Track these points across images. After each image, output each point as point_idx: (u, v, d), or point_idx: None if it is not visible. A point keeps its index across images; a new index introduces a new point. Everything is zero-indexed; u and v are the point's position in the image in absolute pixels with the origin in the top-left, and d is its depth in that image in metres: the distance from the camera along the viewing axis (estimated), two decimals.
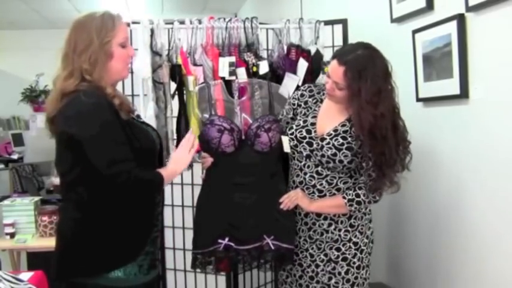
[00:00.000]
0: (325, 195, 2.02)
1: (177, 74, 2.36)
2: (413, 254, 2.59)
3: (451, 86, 2.16)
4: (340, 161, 1.95)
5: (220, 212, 2.08)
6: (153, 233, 1.77)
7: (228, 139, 2.05)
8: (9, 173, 5.47)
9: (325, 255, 2.05)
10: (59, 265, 1.69)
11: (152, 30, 2.40)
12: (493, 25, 1.95)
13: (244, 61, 2.37)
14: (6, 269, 2.84)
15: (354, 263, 2.03)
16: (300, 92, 2.15)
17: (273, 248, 2.06)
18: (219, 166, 2.08)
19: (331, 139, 1.97)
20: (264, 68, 2.37)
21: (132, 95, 2.56)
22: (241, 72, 2.31)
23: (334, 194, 2.02)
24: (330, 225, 2.04)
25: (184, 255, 2.84)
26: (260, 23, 2.51)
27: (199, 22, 2.44)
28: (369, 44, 1.92)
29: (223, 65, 2.33)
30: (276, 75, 2.44)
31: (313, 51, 2.49)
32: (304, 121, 2.06)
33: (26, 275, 2.02)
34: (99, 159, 1.58)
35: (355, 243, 2.04)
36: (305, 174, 2.04)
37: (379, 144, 1.86)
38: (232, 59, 2.33)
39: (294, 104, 2.15)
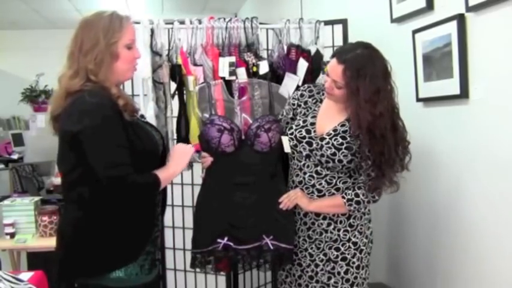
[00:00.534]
0: (324, 195, 2.02)
1: (177, 74, 2.36)
2: (413, 254, 2.59)
3: (451, 86, 2.16)
4: (340, 161, 1.95)
5: (220, 211, 2.09)
6: (154, 233, 1.77)
7: (227, 139, 2.05)
8: (9, 173, 5.46)
9: (325, 254, 2.05)
10: (61, 265, 1.69)
11: (152, 30, 2.40)
12: (493, 25, 1.95)
13: (244, 61, 2.37)
14: (6, 269, 2.84)
15: (354, 262, 2.03)
16: (299, 92, 2.15)
17: (272, 248, 2.06)
18: (218, 166, 2.08)
19: (330, 139, 1.97)
20: (264, 68, 2.37)
21: (132, 95, 2.55)
22: (241, 72, 2.31)
23: (334, 193, 2.02)
24: (329, 225, 2.04)
25: (184, 255, 2.84)
26: (260, 23, 2.51)
27: (199, 22, 2.44)
28: (369, 43, 1.92)
29: (223, 65, 2.33)
30: (276, 75, 2.44)
31: (313, 51, 2.49)
32: (304, 121, 2.06)
33: (26, 275, 2.02)
34: (97, 161, 1.58)
35: (355, 243, 2.04)
36: (304, 174, 2.04)
37: (378, 144, 1.86)
38: (232, 59, 2.34)
39: (293, 104, 2.15)
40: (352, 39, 2.51)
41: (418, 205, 2.53)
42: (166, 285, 2.91)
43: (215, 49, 2.40)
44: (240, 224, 2.07)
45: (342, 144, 1.95)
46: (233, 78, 2.30)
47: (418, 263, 2.54)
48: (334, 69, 1.89)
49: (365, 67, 1.83)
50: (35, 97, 5.57)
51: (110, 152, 1.58)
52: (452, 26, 2.12)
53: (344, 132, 1.97)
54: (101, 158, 1.58)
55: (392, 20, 2.65)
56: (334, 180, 2.01)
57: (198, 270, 2.22)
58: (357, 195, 1.97)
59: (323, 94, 2.08)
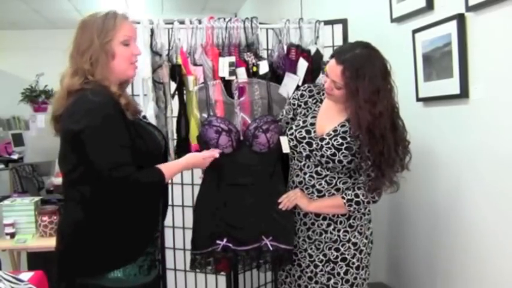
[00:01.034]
0: (324, 195, 2.02)
1: (177, 74, 2.36)
2: (413, 254, 2.59)
3: (451, 85, 2.16)
4: (340, 161, 1.95)
5: (219, 212, 2.08)
6: (154, 234, 1.77)
7: (225, 140, 2.05)
8: (9, 173, 5.47)
9: (324, 255, 2.05)
10: (60, 265, 1.69)
11: (152, 30, 2.40)
12: (493, 25, 1.95)
13: (244, 61, 2.37)
14: (6, 269, 2.84)
15: (353, 263, 2.03)
16: (299, 92, 2.15)
17: (271, 248, 2.06)
18: (217, 167, 2.08)
19: (330, 139, 1.97)
20: (264, 68, 2.37)
21: (132, 95, 2.55)
22: (241, 72, 2.31)
23: (334, 194, 2.01)
24: (329, 225, 2.04)
25: (184, 255, 2.84)
26: (260, 23, 2.51)
27: (199, 22, 2.44)
28: (368, 43, 1.92)
29: (223, 65, 2.33)
30: (276, 75, 2.44)
31: (313, 51, 2.49)
32: (304, 121, 2.06)
33: (26, 275, 2.02)
34: (99, 161, 1.58)
35: (355, 244, 2.04)
36: (304, 174, 2.04)
37: (378, 143, 1.86)
38: (232, 59, 2.33)
39: (293, 104, 2.14)
40: (352, 39, 2.51)
41: (418, 205, 2.53)
42: (166, 285, 2.91)
43: (215, 49, 2.39)
44: (239, 224, 2.07)
45: (341, 144, 1.95)
46: (233, 78, 2.30)
47: (418, 263, 2.54)
48: (333, 70, 1.89)
49: (364, 67, 1.83)
50: (35, 97, 5.58)
51: (112, 151, 1.58)
52: (452, 25, 2.12)
53: (344, 132, 1.97)
54: (103, 158, 1.58)
55: (392, 20, 2.64)
56: (334, 181, 2.01)
57: (197, 270, 2.22)
58: (356, 195, 1.97)
59: (323, 94, 2.08)
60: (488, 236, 2.02)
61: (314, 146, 2.00)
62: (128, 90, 2.51)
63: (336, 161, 1.95)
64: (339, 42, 2.64)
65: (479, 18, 2.02)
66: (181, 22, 2.45)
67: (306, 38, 2.56)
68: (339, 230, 2.04)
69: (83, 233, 1.65)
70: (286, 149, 2.07)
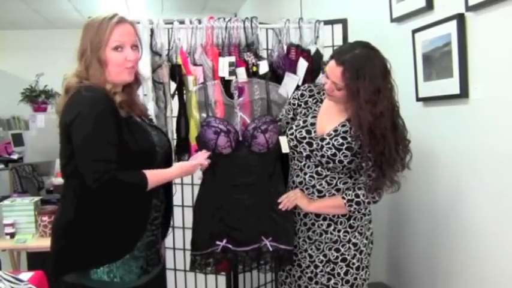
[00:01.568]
0: (324, 195, 2.02)
1: (177, 74, 2.36)
2: (413, 254, 2.59)
3: (451, 85, 2.16)
4: (340, 161, 1.95)
5: (218, 213, 2.08)
6: (146, 238, 1.73)
7: (224, 141, 2.04)
8: (9, 173, 5.46)
9: (324, 255, 2.05)
10: (53, 261, 1.69)
11: (152, 30, 2.40)
12: (493, 25, 1.95)
13: (244, 61, 2.37)
14: (6, 269, 2.84)
15: (353, 263, 2.03)
16: (300, 92, 2.15)
17: (271, 249, 2.05)
18: (216, 167, 2.08)
19: (331, 139, 1.96)
20: (263, 67, 2.37)
21: None
22: (241, 72, 2.31)
23: (334, 194, 2.01)
24: (329, 225, 2.04)
25: (184, 255, 2.84)
26: (260, 23, 2.51)
27: (199, 22, 2.44)
28: (367, 42, 1.92)
29: (223, 65, 2.33)
30: (275, 75, 2.44)
31: (313, 51, 2.49)
32: (304, 121, 2.06)
33: (26, 275, 2.02)
34: (80, 154, 1.58)
35: (355, 244, 2.03)
36: (305, 174, 2.04)
37: (379, 143, 1.85)
38: (232, 58, 2.33)
39: (294, 104, 2.14)
40: (352, 39, 2.51)
41: (418, 205, 2.53)
42: (166, 285, 2.91)
43: (215, 49, 2.39)
44: (239, 225, 2.06)
45: (342, 144, 1.95)
46: (233, 78, 2.29)
47: (418, 263, 2.54)
48: (333, 71, 1.88)
49: (364, 67, 1.83)
50: (34, 97, 5.57)
51: (95, 146, 1.57)
52: (452, 25, 2.12)
53: (344, 132, 1.97)
54: (84, 151, 1.58)
55: (392, 20, 2.65)
56: (335, 181, 2.01)
57: (197, 270, 2.22)
58: (357, 195, 1.97)
59: (323, 94, 2.08)
60: (488, 236, 2.02)
61: (314, 146, 2.00)
62: None
63: (336, 161, 1.95)
64: (338, 42, 2.64)
65: (479, 18, 2.01)
66: (181, 22, 2.45)
67: (306, 38, 2.56)
68: (339, 231, 2.03)
69: (71, 228, 1.65)
70: (285, 149, 2.07)
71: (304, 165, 2.04)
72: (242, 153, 2.08)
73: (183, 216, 2.88)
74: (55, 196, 3.56)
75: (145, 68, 2.31)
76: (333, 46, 2.62)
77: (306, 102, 2.11)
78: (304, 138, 2.02)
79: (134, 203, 1.68)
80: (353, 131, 1.92)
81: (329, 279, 2.04)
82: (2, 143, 6.34)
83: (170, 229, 2.85)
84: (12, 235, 2.89)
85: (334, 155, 1.95)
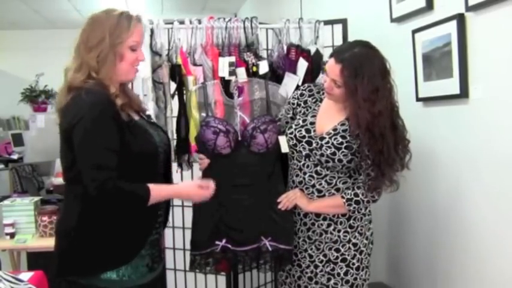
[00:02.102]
0: (324, 195, 2.02)
1: (177, 74, 2.36)
2: (413, 254, 2.59)
3: (451, 85, 2.16)
4: (340, 160, 1.95)
5: (218, 213, 2.08)
6: (152, 235, 1.75)
7: (223, 141, 2.04)
8: (9, 173, 5.46)
9: (324, 255, 2.05)
10: (57, 263, 1.69)
11: (152, 30, 2.40)
12: (493, 25, 1.95)
13: (244, 61, 2.37)
14: (6, 269, 2.83)
15: (353, 264, 2.03)
16: (299, 92, 2.15)
17: (270, 249, 2.05)
18: (216, 167, 2.08)
19: (330, 138, 1.97)
20: (263, 67, 2.37)
21: None
22: (241, 72, 2.31)
23: (334, 194, 2.01)
24: (329, 225, 2.04)
25: (184, 255, 2.84)
26: (260, 23, 2.51)
27: (199, 22, 2.44)
28: (367, 42, 1.92)
29: (223, 65, 2.33)
30: (275, 75, 2.44)
31: (313, 51, 2.49)
32: (304, 120, 2.06)
33: (26, 275, 2.02)
34: (81, 161, 1.57)
35: (355, 244, 2.03)
36: (304, 174, 2.04)
37: (378, 142, 1.86)
38: (232, 59, 2.33)
39: (293, 104, 2.14)
40: (352, 39, 2.50)
41: (418, 205, 2.53)
42: (166, 285, 2.91)
43: (215, 49, 2.39)
44: (238, 225, 2.06)
45: (341, 143, 1.95)
46: (233, 78, 2.29)
47: (418, 263, 2.54)
48: (332, 69, 1.89)
49: (363, 66, 1.83)
50: (34, 97, 5.58)
51: (96, 153, 1.56)
52: (452, 25, 2.12)
53: (344, 131, 1.97)
54: (85, 159, 1.57)
55: (392, 20, 2.64)
56: (334, 180, 2.01)
57: (197, 270, 2.22)
58: (356, 195, 1.97)
59: (323, 93, 2.08)
60: (488, 236, 2.02)
61: (314, 145, 2.00)
62: None
63: (335, 160, 1.95)
64: (338, 42, 2.64)
65: (479, 18, 2.01)
66: (181, 22, 2.45)
67: (306, 38, 2.56)
68: (339, 231, 2.03)
69: (78, 231, 1.64)
70: (284, 149, 2.07)
71: (304, 164, 2.04)
72: (241, 153, 2.08)
73: (183, 216, 2.88)
74: (55, 196, 3.56)
75: (145, 68, 2.31)
76: (333, 46, 2.62)
77: (305, 102, 2.11)
78: (304, 137, 2.02)
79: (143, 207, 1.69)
80: (351, 130, 1.92)
81: (329, 279, 2.04)
82: (2, 143, 6.35)
83: (170, 229, 2.88)
84: (12, 235, 2.89)
85: (334, 154, 1.95)
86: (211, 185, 1.83)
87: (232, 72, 2.31)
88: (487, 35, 1.98)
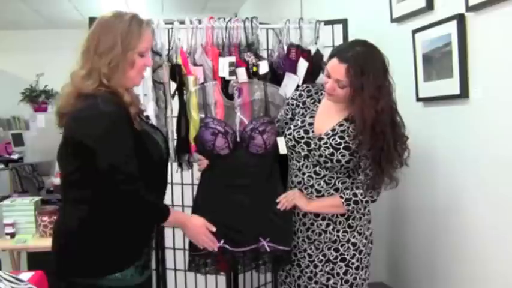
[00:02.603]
0: (323, 195, 2.02)
1: (177, 74, 2.36)
2: (413, 254, 2.59)
3: (451, 85, 2.16)
4: (338, 161, 1.95)
5: (216, 214, 2.08)
6: (152, 236, 1.80)
7: (222, 142, 2.04)
8: (9, 173, 5.47)
9: (324, 255, 2.05)
10: (59, 265, 1.69)
11: (152, 30, 2.40)
12: (493, 25, 1.95)
13: (245, 61, 2.37)
14: (6, 269, 2.83)
15: (353, 263, 2.03)
16: (298, 92, 2.15)
17: (268, 250, 2.05)
18: (214, 168, 2.08)
19: (328, 139, 1.97)
20: (264, 68, 2.37)
21: None
22: (242, 72, 2.31)
23: (332, 194, 2.01)
24: (328, 225, 2.04)
25: (184, 255, 2.83)
26: (260, 23, 2.51)
27: (199, 22, 2.44)
28: (365, 40, 1.93)
29: (224, 65, 2.33)
30: (276, 75, 2.44)
31: (313, 51, 2.49)
32: (302, 121, 2.06)
33: (26, 275, 2.02)
34: (111, 171, 1.57)
35: (354, 244, 2.03)
36: (303, 174, 2.04)
37: (378, 140, 1.86)
38: (233, 59, 2.33)
39: (292, 105, 2.15)
40: (352, 39, 2.51)
41: (418, 205, 2.53)
42: (166, 285, 2.91)
43: (215, 49, 2.39)
44: (237, 226, 2.06)
45: (340, 144, 1.95)
46: (233, 78, 2.29)
47: (418, 263, 2.54)
48: (336, 69, 1.88)
49: (367, 64, 1.84)
50: (35, 97, 5.59)
51: (124, 163, 1.58)
52: (452, 25, 2.12)
53: (342, 132, 1.97)
54: (115, 170, 1.57)
55: (392, 20, 2.64)
56: (333, 181, 2.01)
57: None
58: (354, 194, 1.97)
59: (321, 94, 2.08)
60: (488, 236, 2.02)
61: (312, 145, 2.00)
62: None
63: (334, 161, 1.95)
64: (339, 42, 2.64)
65: (479, 18, 2.01)
66: (182, 22, 2.45)
67: (306, 38, 2.56)
68: (338, 231, 2.03)
69: (83, 234, 1.64)
70: (283, 150, 2.07)
71: (303, 165, 2.04)
72: (240, 154, 2.08)
73: None
74: (55, 196, 3.57)
75: None
76: (333, 46, 2.61)
77: (304, 103, 2.11)
78: (302, 138, 2.02)
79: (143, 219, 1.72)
80: (356, 128, 1.91)
81: (328, 279, 2.04)
82: (2, 143, 6.36)
83: (170, 229, 2.87)
84: (12, 235, 2.90)
85: (332, 154, 1.95)
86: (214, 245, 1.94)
87: (232, 72, 2.30)
88: (487, 35, 1.98)
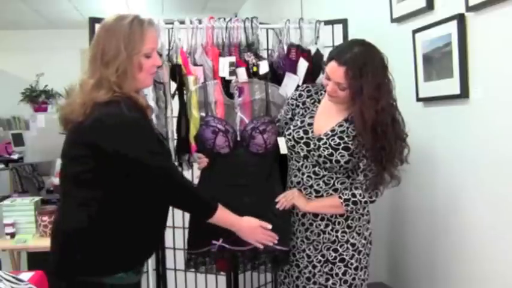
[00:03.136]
0: (322, 195, 2.02)
1: (177, 74, 2.36)
2: (413, 254, 2.59)
3: (451, 86, 2.16)
4: (337, 161, 1.95)
5: None
6: (161, 236, 1.81)
7: (222, 140, 2.05)
8: (9, 173, 5.47)
9: (322, 256, 2.05)
10: (60, 264, 1.67)
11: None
12: (493, 25, 1.95)
13: (245, 61, 2.37)
14: (6, 269, 2.84)
15: (352, 264, 2.03)
16: (298, 93, 2.15)
17: (265, 249, 2.05)
18: (214, 167, 2.08)
19: (327, 139, 1.97)
20: (264, 68, 2.37)
21: None
22: (242, 72, 2.31)
23: (332, 194, 2.01)
24: (327, 226, 2.04)
25: (185, 255, 2.83)
26: (260, 23, 2.51)
27: (200, 22, 2.44)
28: (363, 40, 1.93)
29: (224, 65, 2.33)
30: (276, 75, 2.44)
31: (313, 51, 2.49)
32: (302, 121, 2.06)
33: (26, 275, 2.02)
34: (157, 172, 1.62)
35: (353, 244, 2.03)
36: (302, 174, 2.04)
37: (380, 139, 1.86)
38: (233, 59, 2.33)
39: (292, 105, 2.15)
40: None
41: (417, 205, 2.53)
42: (166, 285, 2.91)
43: (215, 49, 2.40)
44: None
45: (339, 144, 1.95)
46: (233, 78, 2.29)
47: (418, 263, 2.54)
48: (335, 72, 1.88)
49: (366, 64, 1.84)
50: (35, 97, 5.59)
51: (165, 161, 1.67)
52: (453, 25, 2.12)
53: (341, 132, 1.97)
54: (160, 172, 1.63)
55: (393, 20, 2.64)
56: (332, 181, 2.01)
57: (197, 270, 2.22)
58: (353, 195, 1.97)
59: (321, 94, 2.08)
60: (488, 236, 2.02)
61: (312, 146, 2.00)
62: None
63: (333, 161, 1.95)
64: (339, 42, 2.63)
65: (479, 18, 2.02)
66: (182, 22, 2.45)
67: (306, 38, 2.56)
68: (337, 231, 2.03)
69: (92, 233, 1.62)
70: (283, 149, 2.07)
71: (302, 165, 2.04)
72: (240, 153, 2.09)
73: (183, 216, 2.88)
74: (55, 196, 3.56)
75: None
76: (333, 46, 2.61)
77: (303, 103, 2.11)
78: (302, 138, 2.02)
79: (156, 206, 1.72)
80: (356, 129, 1.91)
81: (327, 280, 2.04)
82: (2, 143, 6.36)
83: (170, 229, 2.87)
84: (12, 235, 2.89)
85: (331, 154, 1.95)
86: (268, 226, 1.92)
87: (232, 72, 2.31)
88: (488, 35, 1.98)
